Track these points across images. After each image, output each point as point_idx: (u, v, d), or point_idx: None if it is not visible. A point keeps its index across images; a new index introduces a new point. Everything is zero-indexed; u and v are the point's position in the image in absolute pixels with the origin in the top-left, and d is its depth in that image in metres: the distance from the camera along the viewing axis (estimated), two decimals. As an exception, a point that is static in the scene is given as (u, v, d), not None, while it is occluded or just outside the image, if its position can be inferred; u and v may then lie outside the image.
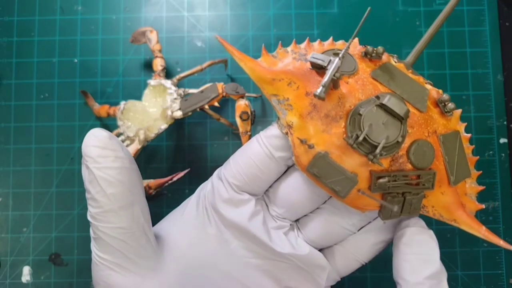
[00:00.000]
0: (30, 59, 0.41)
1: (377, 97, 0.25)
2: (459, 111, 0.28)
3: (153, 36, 0.37)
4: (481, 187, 0.28)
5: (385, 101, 0.24)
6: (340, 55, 0.24)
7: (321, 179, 0.25)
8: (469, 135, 0.28)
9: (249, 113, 0.33)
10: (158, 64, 0.37)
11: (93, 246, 0.25)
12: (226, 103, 0.39)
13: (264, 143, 0.26)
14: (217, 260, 0.26)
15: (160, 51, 0.37)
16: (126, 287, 0.25)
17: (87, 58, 0.41)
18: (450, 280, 0.38)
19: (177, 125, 0.39)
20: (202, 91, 0.34)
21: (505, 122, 0.40)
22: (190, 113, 0.34)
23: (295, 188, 0.27)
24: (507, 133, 0.40)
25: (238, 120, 0.33)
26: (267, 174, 0.26)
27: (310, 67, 0.26)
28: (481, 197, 0.27)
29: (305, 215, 0.28)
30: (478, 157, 0.28)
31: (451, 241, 0.39)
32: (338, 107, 0.25)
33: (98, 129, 0.25)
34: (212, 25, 0.41)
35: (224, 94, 0.34)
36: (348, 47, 0.24)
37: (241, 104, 0.33)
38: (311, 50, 0.28)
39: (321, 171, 0.24)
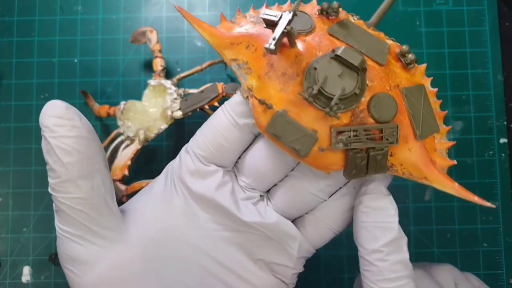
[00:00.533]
0: (30, 59, 0.41)
1: (333, 51, 0.24)
2: (423, 65, 0.27)
3: (153, 36, 0.37)
4: (452, 142, 0.26)
5: (339, 52, 0.23)
6: (292, 9, 0.23)
7: (281, 139, 0.24)
8: (435, 89, 0.27)
9: (249, 113, 0.33)
10: (158, 64, 0.37)
11: (56, 220, 0.25)
12: (226, 103, 0.39)
13: (228, 110, 0.26)
14: (184, 233, 0.26)
15: (160, 51, 0.37)
16: (88, 259, 0.25)
17: (87, 58, 0.41)
18: (450, 280, 0.38)
19: (177, 125, 0.39)
20: (202, 91, 0.35)
21: (505, 122, 0.40)
22: (190, 113, 0.34)
23: (262, 156, 0.26)
24: (507, 133, 0.40)
25: (238, 120, 0.33)
26: (232, 143, 0.26)
27: (264, 26, 0.25)
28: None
29: (275, 185, 0.28)
30: (446, 111, 0.27)
31: (451, 241, 0.39)
32: (295, 65, 0.24)
33: (56, 100, 0.25)
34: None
35: (224, 94, 0.34)
36: (301, 0, 0.24)
37: (241, 104, 0.33)
38: None
39: (280, 130, 0.24)
